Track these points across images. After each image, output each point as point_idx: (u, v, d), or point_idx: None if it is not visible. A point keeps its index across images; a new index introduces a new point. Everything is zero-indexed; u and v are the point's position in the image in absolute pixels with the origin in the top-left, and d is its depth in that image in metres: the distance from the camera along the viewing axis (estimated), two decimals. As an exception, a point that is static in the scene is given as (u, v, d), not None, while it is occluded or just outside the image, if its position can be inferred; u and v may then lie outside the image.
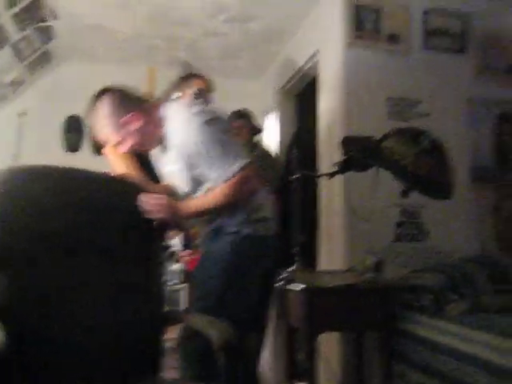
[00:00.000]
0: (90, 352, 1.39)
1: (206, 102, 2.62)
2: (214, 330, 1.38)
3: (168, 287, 7.13)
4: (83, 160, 3.76)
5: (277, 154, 3.82)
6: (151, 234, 1.68)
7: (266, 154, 3.73)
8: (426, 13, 3.16)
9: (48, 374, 1.32)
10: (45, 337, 1.33)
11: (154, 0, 3.31)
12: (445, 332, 2.17)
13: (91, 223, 1.51)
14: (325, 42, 3.20)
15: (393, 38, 3.07)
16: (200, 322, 1.54)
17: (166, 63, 4.29)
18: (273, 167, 3.66)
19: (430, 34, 3.17)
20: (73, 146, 4.27)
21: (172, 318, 1.73)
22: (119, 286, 1.50)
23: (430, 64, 3.15)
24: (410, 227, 2.96)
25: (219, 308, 1.75)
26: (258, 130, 3.80)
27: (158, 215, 1.67)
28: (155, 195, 1.68)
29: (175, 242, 4.86)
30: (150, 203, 1.65)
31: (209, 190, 1.83)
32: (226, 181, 1.77)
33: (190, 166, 1.81)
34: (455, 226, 3.04)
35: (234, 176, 1.77)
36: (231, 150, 1.80)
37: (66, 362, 1.35)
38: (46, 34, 3.59)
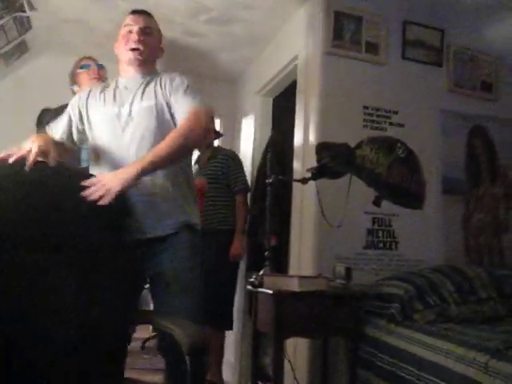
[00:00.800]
0: (52, 350, 1.36)
1: None
2: (181, 331, 1.36)
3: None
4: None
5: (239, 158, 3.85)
6: (120, 231, 1.65)
7: (233, 155, 3.76)
8: (404, 24, 3.20)
9: (9, 373, 1.29)
10: (8, 335, 1.30)
11: (135, -4, 3.28)
12: (410, 340, 2.19)
13: (58, 221, 1.47)
14: (304, 48, 3.21)
15: (371, 48, 3.10)
16: (167, 323, 1.51)
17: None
18: (241, 169, 3.68)
19: (408, 45, 3.21)
20: (46, 140, 4.19)
21: (139, 319, 1.70)
22: (84, 285, 1.47)
23: (406, 75, 3.19)
24: (380, 235, 2.98)
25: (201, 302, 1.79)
26: (219, 135, 3.87)
27: (105, 196, 1.57)
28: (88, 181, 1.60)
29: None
30: (90, 193, 1.56)
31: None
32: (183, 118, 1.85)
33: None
34: (425, 235, 3.08)
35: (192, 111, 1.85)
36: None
37: (29, 361, 1.32)
38: (23, 25, 3.53)
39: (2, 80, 3.94)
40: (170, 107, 1.94)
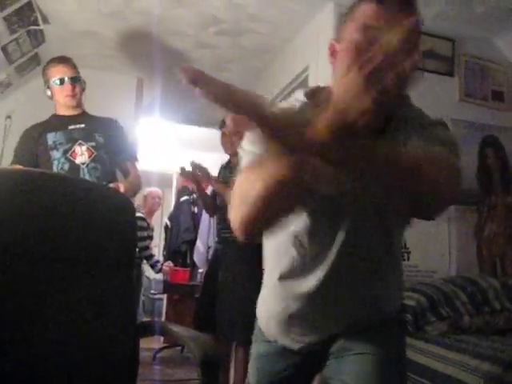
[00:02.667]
0: (60, 365, 1.36)
1: None
2: (195, 343, 1.35)
3: (149, 296, 7.10)
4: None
5: None
6: (128, 243, 1.65)
7: None
8: (415, 34, 3.20)
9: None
10: (14, 350, 1.30)
11: (147, 9, 3.31)
12: (423, 352, 2.18)
13: (67, 230, 1.46)
14: (315, 58, 3.21)
15: (382, 58, 3.10)
16: (181, 334, 1.50)
17: (155, 73, 4.30)
18: None
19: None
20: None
21: (148, 329, 1.70)
22: (92, 296, 1.46)
23: (418, 85, 3.17)
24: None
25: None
26: None
27: None
28: None
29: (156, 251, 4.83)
30: None
31: None
32: None
33: None
34: (437, 246, 3.06)
35: None
36: None
37: (34, 376, 1.31)
38: (37, 38, 3.58)
39: (16, 92, 3.99)
40: None
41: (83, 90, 2.64)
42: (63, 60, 2.60)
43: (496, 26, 3.26)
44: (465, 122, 3.27)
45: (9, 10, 2.98)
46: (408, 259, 2.99)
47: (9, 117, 3.89)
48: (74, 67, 2.61)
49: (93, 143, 2.53)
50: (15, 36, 3.29)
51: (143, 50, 3.94)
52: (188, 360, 4.72)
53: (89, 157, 2.50)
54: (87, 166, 2.49)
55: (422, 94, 3.16)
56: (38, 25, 3.38)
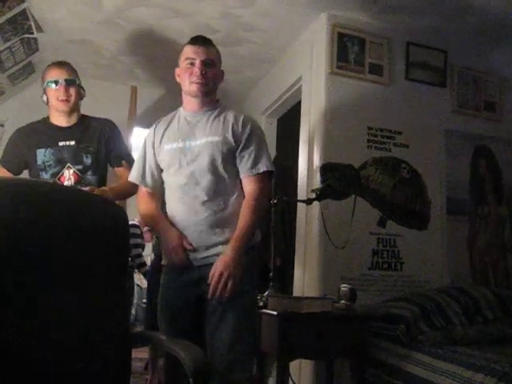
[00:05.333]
0: (52, 374, 1.34)
1: None
2: (186, 353, 1.34)
3: (141, 306, 7.05)
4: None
5: None
6: (120, 252, 1.64)
7: None
8: (408, 45, 3.23)
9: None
10: (10, 356, 1.29)
11: (141, 19, 3.32)
12: (416, 362, 2.17)
13: (59, 239, 1.45)
14: (308, 70, 3.23)
15: (375, 69, 3.12)
16: (171, 343, 1.49)
17: (149, 82, 4.30)
18: None
19: (412, 66, 3.23)
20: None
21: (141, 339, 1.69)
22: (84, 306, 1.45)
23: (410, 95, 3.20)
24: (385, 256, 2.97)
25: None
26: None
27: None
28: None
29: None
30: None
31: None
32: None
33: None
34: (430, 256, 3.07)
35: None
36: None
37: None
38: (30, 46, 3.57)
39: (9, 100, 3.98)
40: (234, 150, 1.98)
41: (81, 97, 2.60)
42: (61, 63, 2.54)
43: (488, 38, 3.29)
44: (457, 132, 3.29)
45: (2, 19, 2.97)
46: (401, 269, 2.99)
47: (1, 125, 3.87)
48: (72, 71, 2.54)
49: (79, 166, 2.49)
50: (8, 44, 3.28)
51: (137, 58, 3.95)
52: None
53: (75, 181, 2.48)
54: None
55: (415, 104, 3.20)
56: (31, 33, 3.37)
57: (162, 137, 2.06)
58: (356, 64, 3.08)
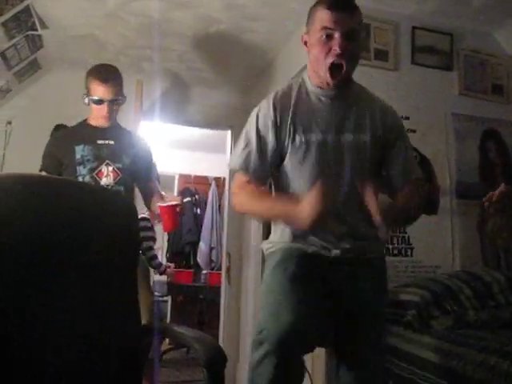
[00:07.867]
0: (60, 366, 1.35)
1: None
2: (200, 344, 1.35)
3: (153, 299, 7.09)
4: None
5: None
6: (133, 249, 1.65)
7: None
8: (413, 29, 3.20)
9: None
10: (18, 352, 1.29)
11: (144, 11, 3.31)
12: (427, 347, 2.17)
13: (70, 234, 1.45)
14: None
15: (381, 54, 3.10)
16: (186, 335, 1.49)
17: (155, 74, 4.29)
18: None
19: (418, 50, 3.21)
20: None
21: (154, 331, 1.70)
22: (96, 300, 1.45)
23: (417, 80, 3.18)
24: (395, 242, 2.97)
25: None
26: None
27: None
28: None
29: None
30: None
31: None
32: None
33: None
34: (440, 241, 3.06)
35: None
36: None
37: (36, 378, 1.31)
38: (35, 43, 3.58)
39: (15, 97, 3.99)
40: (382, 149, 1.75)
41: (122, 103, 2.64)
42: (106, 80, 2.50)
43: (494, 19, 3.26)
44: (465, 115, 3.27)
45: (6, 16, 2.98)
46: (411, 255, 2.98)
47: (9, 123, 3.89)
48: (117, 86, 2.54)
49: (119, 165, 2.51)
50: (13, 42, 3.29)
51: (142, 52, 3.94)
52: (194, 361, 4.71)
53: (114, 179, 2.49)
54: (111, 187, 2.48)
55: (422, 89, 3.17)
56: (36, 30, 3.38)
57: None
58: (361, 50, 3.05)
